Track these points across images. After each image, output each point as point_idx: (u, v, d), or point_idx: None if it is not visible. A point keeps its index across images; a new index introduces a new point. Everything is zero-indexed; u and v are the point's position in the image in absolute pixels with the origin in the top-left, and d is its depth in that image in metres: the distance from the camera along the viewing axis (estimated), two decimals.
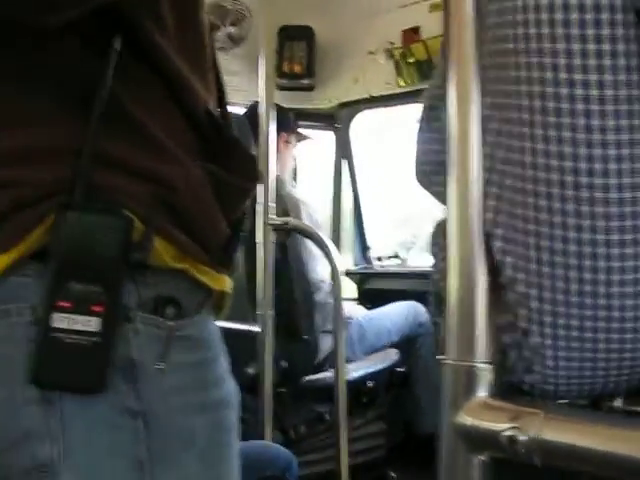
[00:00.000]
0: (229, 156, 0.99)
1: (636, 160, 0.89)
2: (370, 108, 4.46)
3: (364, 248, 4.68)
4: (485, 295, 0.88)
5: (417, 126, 1.22)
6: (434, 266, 1.16)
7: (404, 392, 3.65)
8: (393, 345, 3.68)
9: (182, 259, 0.92)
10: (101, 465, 0.87)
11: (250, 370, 3.01)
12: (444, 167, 0.92)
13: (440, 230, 1.13)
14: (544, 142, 0.91)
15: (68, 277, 0.86)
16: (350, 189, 4.67)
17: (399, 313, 3.69)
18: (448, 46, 0.90)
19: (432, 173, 1.18)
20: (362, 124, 4.61)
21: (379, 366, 3.52)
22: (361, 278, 4.54)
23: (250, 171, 1.02)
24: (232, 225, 0.99)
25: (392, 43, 4.02)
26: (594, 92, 0.88)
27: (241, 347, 2.98)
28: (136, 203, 0.88)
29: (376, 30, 4.06)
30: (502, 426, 0.84)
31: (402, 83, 4.04)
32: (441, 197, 1.00)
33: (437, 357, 0.92)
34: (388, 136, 4.99)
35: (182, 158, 0.93)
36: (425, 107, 1.20)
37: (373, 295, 4.36)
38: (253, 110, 3.42)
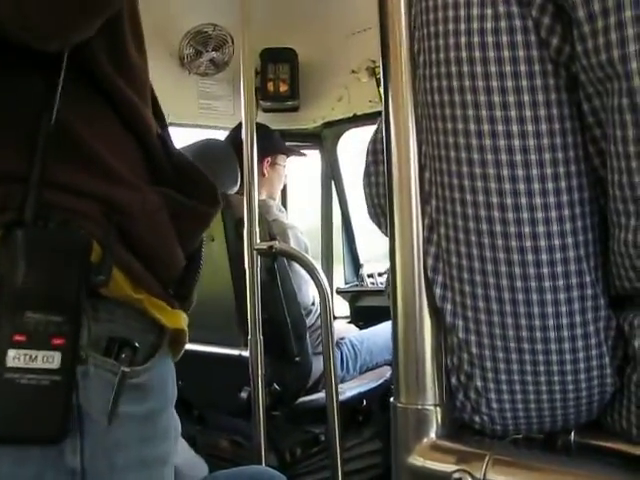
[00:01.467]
0: (185, 181, 0.95)
1: (563, 207, 0.90)
2: (355, 127, 4.47)
3: (356, 266, 4.69)
4: (431, 338, 0.90)
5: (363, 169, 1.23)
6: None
7: None
8: (386, 363, 3.68)
9: (137, 291, 0.86)
10: None
11: (243, 394, 3.01)
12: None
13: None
14: (472, 193, 0.92)
15: (22, 305, 0.77)
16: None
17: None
18: (387, 96, 0.92)
19: (382, 215, 1.19)
20: (351, 143, 4.63)
21: (373, 384, 3.52)
22: (352, 296, 4.53)
23: (208, 196, 0.97)
24: (189, 255, 0.95)
25: (374, 61, 4.04)
26: (516, 142, 0.89)
27: (233, 372, 3.00)
28: (91, 223, 0.82)
29: (357, 49, 4.07)
30: (450, 467, 0.85)
31: None
32: None
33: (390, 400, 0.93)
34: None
35: (136, 183, 0.88)
36: (369, 151, 1.21)
37: (365, 313, 4.35)
38: (237, 133, 3.44)
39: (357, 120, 4.34)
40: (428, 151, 0.97)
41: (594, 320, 0.92)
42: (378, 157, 1.18)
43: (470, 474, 0.83)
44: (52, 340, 0.76)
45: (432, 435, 0.89)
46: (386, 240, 0.96)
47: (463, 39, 0.91)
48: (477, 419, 0.97)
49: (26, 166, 0.81)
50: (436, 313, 0.91)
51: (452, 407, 0.96)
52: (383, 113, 0.91)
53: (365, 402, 3.46)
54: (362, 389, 3.45)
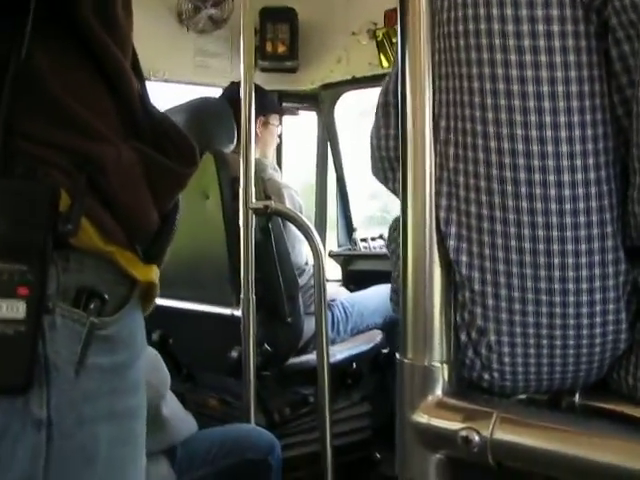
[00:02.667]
0: (163, 140, 0.93)
1: (588, 155, 0.89)
2: (353, 89, 4.44)
3: (349, 229, 4.68)
4: (440, 294, 0.89)
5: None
6: (392, 264, 1.16)
7: (389, 373, 3.65)
8: (377, 327, 3.69)
9: (108, 244, 0.84)
10: None
11: (233, 354, 3.01)
12: (399, 164, 0.92)
13: (397, 226, 1.13)
14: (497, 140, 0.90)
15: None
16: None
17: (383, 296, 3.69)
18: (403, 41, 0.90)
19: (390, 169, 1.18)
20: (348, 105, 4.61)
21: (363, 348, 3.52)
22: (345, 259, 4.53)
23: (187, 157, 0.95)
24: (164, 217, 0.93)
25: (375, 24, 4.01)
26: (545, 88, 0.88)
27: (225, 331, 2.99)
28: (60, 173, 0.80)
29: (359, 11, 4.05)
30: (457, 425, 0.85)
31: (385, 64, 4.02)
32: (398, 193, 1.00)
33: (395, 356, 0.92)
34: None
35: (111, 138, 0.86)
36: (380, 103, 1.19)
37: (357, 277, 4.35)
38: (232, 91, 3.41)
39: (355, 83, 4.30)
40: (447, 98, 0.95)
41: (614, 274, 0.91)
42: (389, 109, 1.16)
43: (477, 432, 0.83)
44: (17, 289, 0.74)
45: (438, 392, 0.88)
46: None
47: None
48: (486, 376, 0.96)
49: None
50: (446, 269, 0.90)
51: (460, 365, 0.95)
52: (399, 61, 0.89)
53: (355, 365, 3.46)
54: (352, 352, 3.45)
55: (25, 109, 0.79)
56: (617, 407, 0.98)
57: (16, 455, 0.77)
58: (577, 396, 0.99)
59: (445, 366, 0.88)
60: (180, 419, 2.28)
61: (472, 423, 0.83)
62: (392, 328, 3.68)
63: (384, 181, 1.22)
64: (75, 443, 0.81)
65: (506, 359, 0.94)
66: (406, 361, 0.90)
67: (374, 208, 5.31)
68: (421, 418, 0.88)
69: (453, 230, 0.94)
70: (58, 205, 0.77)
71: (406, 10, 0.89)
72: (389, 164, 1.18)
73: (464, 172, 0.94)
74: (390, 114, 1.16)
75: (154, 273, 0.93)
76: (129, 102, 0.90)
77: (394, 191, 1.18)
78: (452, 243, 0.93)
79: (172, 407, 2.25)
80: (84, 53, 0.86)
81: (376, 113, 1.20)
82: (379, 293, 3.71)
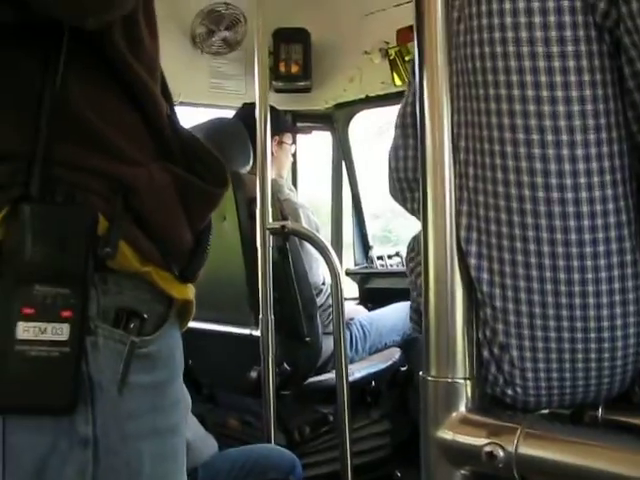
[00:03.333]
0: (194, 161, 0.94)
1: (606, 173, 0.90)
2: (367, 108, 4.46)
3: (365, 247, 4.69)
4: (462, 311, 0.89)
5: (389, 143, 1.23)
6: (411, 283, 1.17)
7: (408, 391, 3.65)
8: (395, 345, 3.69)
9: (144, 264, 0.87)
10: None
11: (253, 374, 3.02)
12: (418, 184, 0.93)
13: (416, 245, 1.14)
14: (514, 159, 0.92)
15: (31, 279, 0.77)
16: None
17: (400, 313, 3.70)
18: (421, 64, 0.91)
19: (408, 190, 1.19)
20: (363, 124, 4.62)
21: (382, 365, 3.52)
22: (362, 278, 4.53)
23: (218, 176, 0.96)
24: (197, 237, 0.94)
25: (387, 42, 4.03)
26: (561, 108, 0.89)
27: (244, 351, 3.00)
28: (97, 198, 0.82)
29: (371, 30, 4.06)
30: (481, 441, 0.85)
31: (398, 82, 4.04)
32: (417, 213, 1.01)
33: (419, 373, 0.93)
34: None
35: (143, 160, 0.88)
36: (397, 125, 1.21)
37: (374, 294, 4.37)
38: (245, 112, 3.43)
39: (369, 101, 4.32)
40: (465, 119, 0.96)
41: (634, 288, 0.92)
42: (407, 130, 1.17)
43: (502, 447, 0.83)
44: (61, 312, 0.77)
45: (462, 409, 0.89)
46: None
47: (507, 5, 0.91)
48: (509, 392, 0.97)
49: (30, 144, 0.81)
50: (468, 287, 0.91)
51: (483, 381, 0.96)
52: (417, 83, 0.90)
53: (374, 383, 3.47)
54: (371, 370, 3.46)
55: (60, 136, 0.82)
56: None
57: (64, 473, 0.79)
58: (600, 410, 1.00)
59: (468, 382, 0.89)
60: (201, 441, 2.29)
61: (496, 438, 0.84)
62: (410, 346, 3.68)
63: (402, 202, 1.23)
64: (120, 460, 0.83)
65: (529, 374, 0.95)
66: (429, 378, 0.90)
67: (376, 227, 5.30)
68: (445, 434, 0.89)
69: (474, 249, 0.95)
70: (97, 229, 0.80)
71: (422, 29, 0.90)
72: (407, 185, 1.19)
73: (483, 191, 0.95)
74: (408, 135, 1.17)
75: (190, 291, 0.96)
76: (158, 124, 0.92)
77: (412, 211, 1.20)
78: (473, 261, 0.94)
79: (193, 429, 2.25)
80: (113, 77, 0.88)
81: (394, 135, 1.21)
82: (397, 311, 3.72)
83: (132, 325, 0.85)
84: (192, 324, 3.10)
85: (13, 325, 0.76)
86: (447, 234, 0.88)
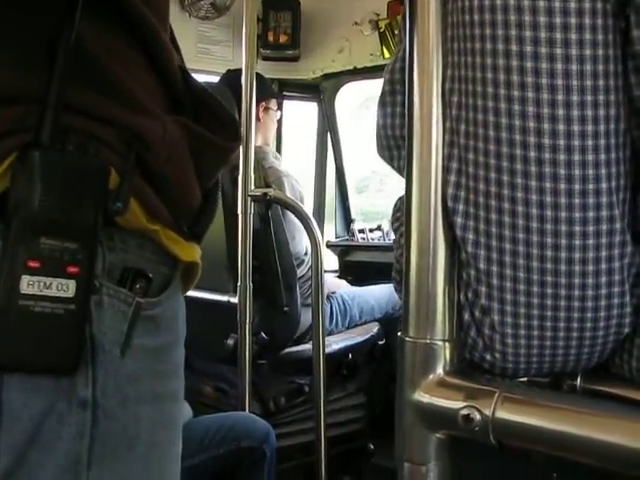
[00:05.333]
0: (206, 114, 0.92)
1: (600, 136, 0.88)
2: (355, 80, 4.43)
3: (347, 221, 4.68)
4: (444, 272, 0.88)
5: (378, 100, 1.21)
6: (395, 241, 1.15)
7: (384, 365, 3.66)
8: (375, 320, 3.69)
9: (152, 222, 0.84)
10: (32, 463, 0.76)
11: (230, 341, 3.00)
12: (405, 141, 0.91)
13: (402, 205, 1.12)
14: (508, 116, 0.90)
15: (37, 230, 0.74)
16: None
17: (383, 292, 3.69)
18: (411, 17, 0.89)
19: (395, 147, 1.17)
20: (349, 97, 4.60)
21: (359, 339, 3.52)
22: (342, 250, 4.52)
23: (230, 131, 0.94)
24: (205, 193, 0.93)
25: (377, 14, 4.00)
26: (559, 66, 0.87)
27: (221, 318, 2.99)
28: (110, 150, 0.79)
29: (362, 1, 4.04)
30: (458, 404, 0.84)
31: (387, 54, 4.02)
32: (403, 172, 0.99)
33: (397, 334, 0.92)
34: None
35: (157, 112, 0.85)
36: (386, 80, 1.19)
37: (354, 268, 4.36)
38: (230, 78, 3.39)
39: (357, 73, 4.28)
40: (459, 74, 0.94)
41: (620, 256, 0.91)
42: (396, 87, 1.15)
43: (479, 410, 0.82)
44: (67, 268, 0.74)
45: (440, 371, 0.88)
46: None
47: None
48: (488, 357, 0.95)
49: (44, 87, 0.77)
50: (451, 247, 0.90)
51: (462, 345, 0.94)
52: (407, 37, 0.88)
53: (351, 356, 3.47)
54: (349, 343, 3.45)
55: (75, 81, 0.78)
56: (618, 391, 0.97)
57: (61, 435, 0.77)
58: (579, 379, 0.99)
59: (447, 344, 0.88)
60: None
61: (474, 402, 0.83)
62: (391, 323, 3.68)
63: (389, 160, 1.21)
64: (119, 424, 0.81)
65: (509, 340, 0.93)
66: (407, 339, 0.89)
67: (358, 203, 5.31)
68: (422, 397, 0.88)
69: (461, 207, 0.93)
70: (108, 183, 0.77)
71: None
72: (394, 142, 1.17)
73: (474, 149, 0.93)
74: (396, 92, 1.15)
75: (196, 252, 0.93)
76: (170, 74, 0.89)
77: (399, 169, 1.18)
78: (459, 220, 0.92)
79: None
80: (124, 24, 0.85)
81: (382, 91, 1.19)
82: (382, 290, 3.71)
83: (138, 286, 0.82)
84: None
85: (17, 278, 0.73)
86: (432, 190, 0.86)
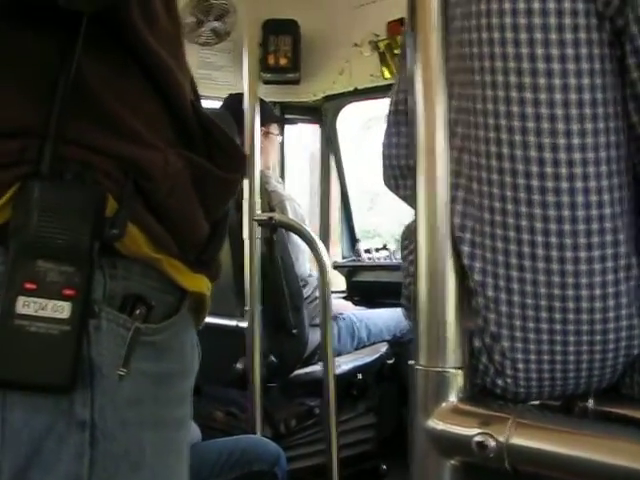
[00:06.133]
0: (215, 148, 0.93)
1: (602, 164, 0.89)
2: (356, 101, 4.45)
3: (352, 241, 4.69)
4: (455, 299, 0.89)
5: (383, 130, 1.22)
6: (404, 270, 1.16)
7: (394, 384, 3.65)
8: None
9: (156, 251, 0.85)
10: None
11: (239, 365, 3.01)
12: (412, 171, 0.92)
13: (409, 233, 1.12)
14: (509, 147, 0.91)
15: (34, 254, 0.76)
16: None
17: (391, 316, 3.69)
18: (415, 49, 0.90)
19: (400, 177, 1.18)
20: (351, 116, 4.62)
21: (368, 359, 3.52)
22: (349, 271, 4.53)
23: (236, 163, 0.95)
24: (213, 223, 0.93)
25: (377, 35, 4.02)
26: (558, 96, 0.88)
27: (230, 343, 2.99)
28: (108, 179, 0.81)
29: (361, 22, 4.05)
30: (472, 431, 0.85)
31: (387, 75, 4.03)
32: (410, 201, 1.00)
33: (408, 362, 0.92)
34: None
35: (158, 144, 0.86)
36: (391, 111, 1.20)
37: (361, 288, 4.37)
38: (232, 103, 3.41)
39: (358, 94, 4.30)
40: (460, 105, 0.95)
41: (626, 279, 0.91)
42: (399, 118, 1.16)
43: (493, 437, 0.82)
44: (63, 290, 0.76)
45: (452, 398, 0.88)
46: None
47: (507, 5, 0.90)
48: (500, 382, 0.96)
49: (43, 121, 0.79)
50: (460, 275, 0.90)
51: (473, 371, 0.95)
52: (410, 69, 0.89)
53: (360, 376, 3.47)
54: (358, 363, 3.46)
55: (73, 115, 0.80)
56: (630, 412, 0.98)
57: (60, 455, 0.78)
58: (591, 401, 0.99)
59: (459, 372, 0.88)
60: None
61: (487, 428, 0.83)
62: (398, 343, 3.68)
63: (395, 188, 1.22)
64: (119, 446, 0.81)
65: (520, 365, 0.94)
66: (419, 367, 0.89)
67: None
68: (436, 424, 0.88)
69: (468, 236, 0.94)
70: (105, 210, 0.79)
71: (417, 9, 0.89)
72: (399, 171, 1.18)
73: (477, 179, 0.94)
74: (400, 122, 1.16)
75: (204, 284, 0.94)
76: (179, 110, 0.90)
77: (404, 198, 1.19)
78: (466, 249, 0.93)
79: None
80: (132, 59, 0.86)
81: (387, 121, 1.20)
82: (390, 313, 3.72)
83: (138, 311, 0.83)
84: None
85: (13, 299, 0.74)
86: (441, 221, 0.87)
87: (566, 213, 0.89)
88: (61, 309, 0.76)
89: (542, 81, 0.88)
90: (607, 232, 0.90)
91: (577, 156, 0.88)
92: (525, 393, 0.96)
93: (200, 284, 0.93)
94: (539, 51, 0.88)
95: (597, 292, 0.91)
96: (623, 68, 0.89)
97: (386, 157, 1.20)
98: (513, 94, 0.90)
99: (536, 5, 0.88)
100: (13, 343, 0.75)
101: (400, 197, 1.22)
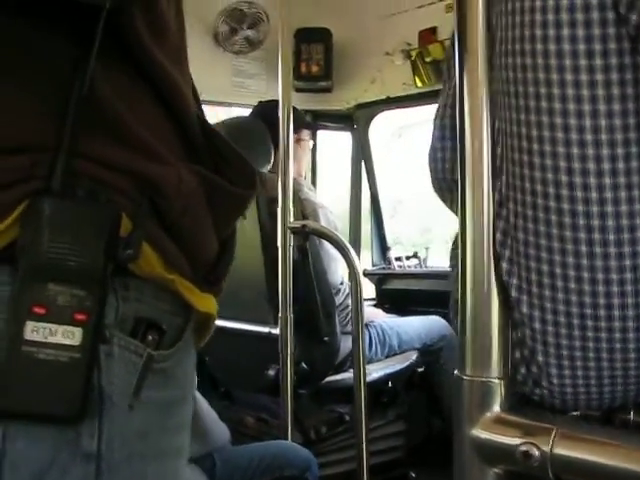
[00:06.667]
0: (223, 163, 0.90)
1: (635, 188, 0.90)
2: (388, 109, 4.46)
3: (383, 248, 4.69)
4: (499, 311, 0.90)
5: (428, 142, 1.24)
6: (453, 281, 1.17)
7: (424, 392, 3.66)
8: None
9: (170, 272, 0.81)
10: None
11: (270, 372, 3.02)
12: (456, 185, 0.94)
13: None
14: (541, 170, 0.93)
15: (44, 276, 0.71)
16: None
17: (422, 324, 3.70)
18: (461, 66, 0.92)
19: (446, 190, 1.20)
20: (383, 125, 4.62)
21: (399, 366, 3.52)
22: (379, 279, 4.53)
23: (246, 178, 0.91)
24: (223, 241, 0.90)
25: (409, 44, 4.03)
26: (586, 107, 0.90)
27: (262, 349, 3.01)
28: (122, 197, 0.77)
29: (393, 31, 4.06)
30: (516, 441, 0.86)
31: (419, 84, 4.05)
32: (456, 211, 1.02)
33: (454, 372, 0.94)
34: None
35: (172, 161, 0.82)
36: (436, 126, 1.22)
37: (392, 296, 4.37)
38: (263, 110, 3.43)
39: (390, 103, 4.32)
40: (501, 126, 0.97)
41: None
42: (445, 132, 1.18)
43: (537, 447, 0.84)
44: (74, 315, 0.71)
45: (496, 408, 0.90)
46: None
47: (538, 17, 0.91)
48: (538, 392, 0.98)
49: (55, 136, 0.75)
50: (504, 288, 0.92)
51: (514, 381, 0.96)
52: (457, 86, 0.91)
53: (391, 383, 3.47)
54: (388, 370, 3.46)
55: (85, 128, 0.76)
56: None
57: None
58: (631, 413, 1.00)
59: (502, 382, 0.90)
60: (216, 425, 2.29)
61: (532, 438, 0.85)
62: (428, 351, 3.68)
63: (444, 201, 1.24)
64: (123, 479, 0.77)
65: (554, 380, 0.96)
66: (465, 377, 0.91)
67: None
68: (480, 433, 0.90)
69: (507, 253, 0.96)
70: (119, 230, 0.75)
71: (464, 29, 0.91)
72: (446, 184, 1.20)
73: (513, 199, 0.96)
74: (445, 137, 1.18)
75: (212, 304, 0.90)
76: (187, 124, 0.87)
77: (454, 210, 1.21)
78: (505, 265, 0.95)
79: (207, 413, 2.26)
80: (139, 71, 0.83)
81: (432, 136, 1.22)
82: (421, 321, 3.72)
83: (150, 337, 0.78)
84: None
85: (21, 324, 0.70)
86: (485, 235, 0.89)
87: (597, 236, 0.91)
88: (72, 335, 0.71)
89: (571, 107, 0.90)
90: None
91: (607, 181, 0.90)
92: (560, 404, 0.98)
93: (209, 304, 0.89)
94: (569, 77, 0.89)
95: (630, 313, 0.92)
96: None
97: (432, 170, 1.22)
98: (543, 119, 0.91)
99: (565, 32, 0.89)
100: (20, 372, 0.70)
101: (451, 209, 1.23)
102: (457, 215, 0.98)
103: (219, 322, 2.89)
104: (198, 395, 2.21)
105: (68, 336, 0.70)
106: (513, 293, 0.95)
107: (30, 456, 0.72)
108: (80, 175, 0.75)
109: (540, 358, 0.96)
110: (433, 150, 1.21)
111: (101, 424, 0.74)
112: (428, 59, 3.97)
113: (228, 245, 0.91)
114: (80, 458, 0.73)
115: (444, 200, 1.24)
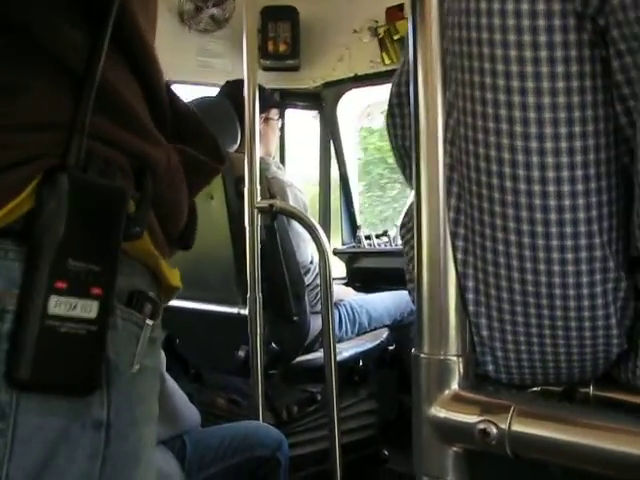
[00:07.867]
0: (191, 136, 0.91)
1: (590, 166, 0.90)
2: (356, 87, 4.45)
3: (353, 227, 4.69)
4: (455, 287, 0.89)
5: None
6: (406, 253, 1.17)
7: (395, 370, 3.67)
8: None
9: (155, 248, 0.84)
10: None
11: (241, 353, 3.02)
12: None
13: (411, 213, 1.13)
14: (497, 149, 0.92)
15: (65, 252, 0.73)
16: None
17: (392, 299, 3.70)
18: (414, 38, 0.90)
19: (404, 156, 1.20)
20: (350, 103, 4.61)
21: (370, 345, 3.53)
22: (350, 257, 4.53)
23: (215, 151, 0.93)
24: (189, 211, 0.92)
25: (376, 21, 4.01)
26: (530, 99, 0.89)
27: (231, 330, 3.00)
28: (125, 176, 0.79)
29: (360, 8, 4.05)
30: (474, 419, 0.85)
31: (387, 61, 4.03)
32: (410, 180, 1.01)
33: (411, 350, 0.93)
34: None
35: (161, 139, 0.84)
36: (393, 93, 1.22)
37: (362, 274, 4.37)
38: (230, 90, 3.41)
39: (358, 80, 4.30)
40: (451, 100, 0.96)
41: (602, 281, 0.93)
42: (402, 99, 1.18)
43: (495, 424, 0.83)
44: (91, 289, 0.74)
45: (454, 386, 0.89)
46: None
47: None
48: (489, 369, 0.98)
49: (68, 115, 0.76)
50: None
51: (473, 358, 0.96)
52: (411, 56, 0.89)
53: (362, 362, 3.48)
54: (359, 349, 3.47)
55: (96, 109, 0.78)
56: (630, 398, 0.99)
57: (75, 458, 0.76)
58: (591, 388, 1.00)
59: (461, 359, 0.89)
60: (187, 408, 2.28)
61: (489, 416, 0.84)
62: (400, 328, 3.69)
63: (402, 168, 1.24)
64: (128, 445, 0.80)
65: (498, 353, 0.98)
66: (422, 355, 0.90)
67: None
68: (438, 412, 0.89)
69: (461, 231, 0.96)
70: (127, 207, 0.77)
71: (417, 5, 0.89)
72: (404, 151, 1.20)
73: (467, 178, 0.96)
74: (403, 104, 1.18)
75: (179, 278, 0.92)
76: (159, 100, 0.88)
77: (409, 179, 1.20)
78: (460, 244, 0.95)
79: (178, 395, 2.26)
80: (121, 49, 0.83)
81: (389, 103, 1.21)
82: (391, 297, 3.72)
83: (146, 308, 0.82)
84: (179, 303, 3.08)
85: (45, 298, 0.72)
86: (440, 206, 0.87)
87: (538, 215, 0.92)
88: (90, 309, 0.74)
89: (515, 84, 0.90)
90: (581, 236, 0.91)
91: (565, 160, 0.89)
92: (507, 379, 0.98)
93: (178, 278, 0.92)
94: (513, 53, 0.89)
95: (571, 292, 0.93)
96: (610, 70, 0.89)
97: (392, 136, 1.22)
98: (502, 96, 0.91)
99: (510, 6, 0.88)
100: (44, 345, 0.72)
101: (405, 176, 1.23)
102: (409, 183, 0.97)
103: (188, 304, 2.87)
104: (168, 377, 2.21)
105: (86, 310, 0.73)
106: (459, 268, 0.95)
107: (43, 427, 0.74)
108: (92, 155, 0.77)
109: (484, 332, 0.96)
110: (391, 116, 1.22)
111: (109, 394, 0.77)
112: (396, 36, 3.95)
113: (193, 209, 0.94)
114: (90, 427, 0.76)
115: (401, 167, 1.24)
